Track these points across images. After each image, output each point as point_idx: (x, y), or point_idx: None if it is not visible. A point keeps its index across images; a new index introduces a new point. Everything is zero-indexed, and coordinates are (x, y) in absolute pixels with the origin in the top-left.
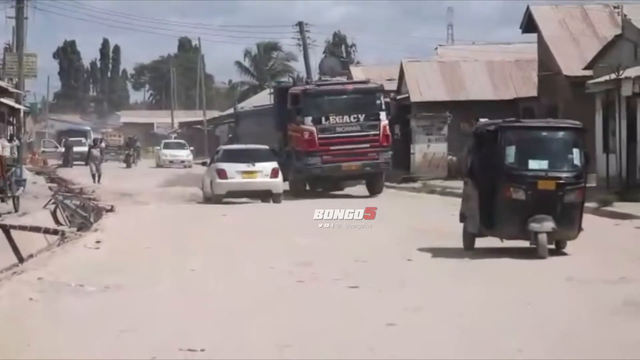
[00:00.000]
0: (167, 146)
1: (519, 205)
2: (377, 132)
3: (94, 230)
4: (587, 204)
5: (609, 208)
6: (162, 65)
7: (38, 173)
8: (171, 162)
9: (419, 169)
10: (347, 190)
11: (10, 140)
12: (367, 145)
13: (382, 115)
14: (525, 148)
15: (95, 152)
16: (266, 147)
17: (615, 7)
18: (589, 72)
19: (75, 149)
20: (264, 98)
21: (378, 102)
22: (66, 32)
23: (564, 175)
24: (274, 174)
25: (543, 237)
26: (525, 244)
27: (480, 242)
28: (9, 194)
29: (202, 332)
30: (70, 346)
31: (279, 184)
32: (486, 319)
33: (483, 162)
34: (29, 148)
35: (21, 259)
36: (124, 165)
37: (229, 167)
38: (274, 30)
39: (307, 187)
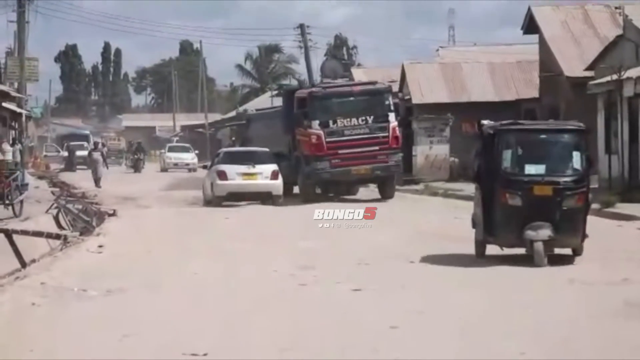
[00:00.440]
0: (172, 149)
1: (515, 212)
2: (387, 134)
3: (97, 234)
4: None
5: (611, 209)
6: (164, 68)
7: (40, 177)
8: (176, 165)
9: (421, 171)
10: (360, 195)
11: (12, 145)
12: (377, 147)
13: (391, 116)
14: (522, 151)
15: (96, 155)
16: (266, 149)
17: (616, 8)
18: (590, 73)
19: (78, 152)
20: (265, 101)
21: (387, 103)
22: (67, 36)
23: (562, 180)
24: (274, 175)
25: (539, 246)
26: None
27: (492, 250)
28: (7, 201)
29: (204, 336)
30: (73, 351)
31: (279, 185)
32: (488, 322)
33: (486, 166)
34: (31, 152)
35: (24, 264)
36: (132, 170)
37: (229, 169)
38: (275, 33)
39: (320, 191)
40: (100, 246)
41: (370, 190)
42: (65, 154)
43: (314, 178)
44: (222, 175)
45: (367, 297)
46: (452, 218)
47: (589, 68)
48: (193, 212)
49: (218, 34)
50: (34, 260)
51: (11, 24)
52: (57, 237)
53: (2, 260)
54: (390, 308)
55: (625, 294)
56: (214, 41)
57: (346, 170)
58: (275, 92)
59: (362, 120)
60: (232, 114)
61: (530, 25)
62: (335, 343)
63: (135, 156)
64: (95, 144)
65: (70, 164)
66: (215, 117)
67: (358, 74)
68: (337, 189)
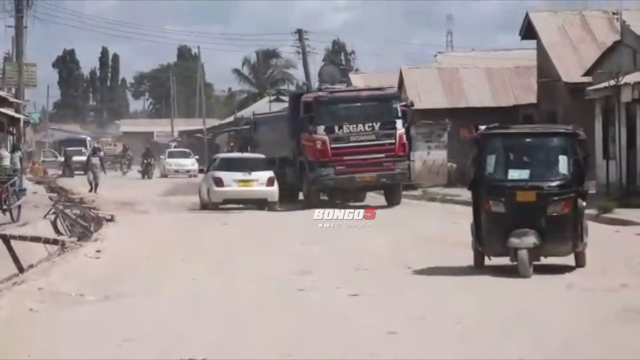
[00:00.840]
0: (172, 155)
1: (499, 219)
2: (393, 141)
3: (94, 239)
4: (587, 211)
5: (609, 215)
6: (162, 73)
7: (38, 183)
8: (176, 171)
9: (419, 176)
10: (367, 201)
11: (13, 151)
12: (383, 155)
13: (399, 123)
14: (506, 156)
15: (95, 160)
16: (262, 156)
17: (614, 14)
18: (588, 79)
19: (75, 158)
20: (263, 106)
21: (394, 109)
22: (65, 42)
23: (547, 185)
24: (270, 182)
25: (523, 254)
26: (543, 260)
27: (493, 259)
28: (5, 206)
29: (203, 341)
30: (71, 356)
31: (275, 192)
32: (486, 327)
33: (475, 172)
34: (29, 158)
35: (21, 269)
36: (142, 176)
37: (226, 176)
38: (273, 38)
39: (326, 198)
40: (98, 251)
41: (378, 197)
42: (62, 159)
43: (317, 184)
44: (219, 182)
45: (366, 303)
46: (450, 223)
47: (586, 73)
48: (191, 217)
49: (216, 39)
50: (31, 266)
51: (9, 29)
52: (55, 242)
53: (0, 265)
54: (388, 313)
55: (624, 300)
56: (212, 46)
57: (351, 177)
58: (274, 97)
59: (369, 127)
60: (230, 119)
61: (528, 31)
62: (334, 348)
63: (146, 161)
64: (94, 149)
65: (69, 169)
66: (213, 122)
67: (356, 79)
68: (344, 196)
